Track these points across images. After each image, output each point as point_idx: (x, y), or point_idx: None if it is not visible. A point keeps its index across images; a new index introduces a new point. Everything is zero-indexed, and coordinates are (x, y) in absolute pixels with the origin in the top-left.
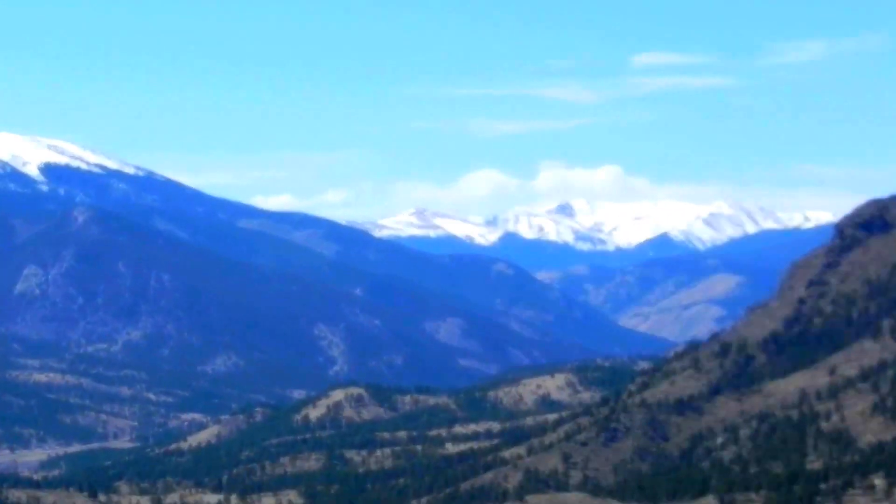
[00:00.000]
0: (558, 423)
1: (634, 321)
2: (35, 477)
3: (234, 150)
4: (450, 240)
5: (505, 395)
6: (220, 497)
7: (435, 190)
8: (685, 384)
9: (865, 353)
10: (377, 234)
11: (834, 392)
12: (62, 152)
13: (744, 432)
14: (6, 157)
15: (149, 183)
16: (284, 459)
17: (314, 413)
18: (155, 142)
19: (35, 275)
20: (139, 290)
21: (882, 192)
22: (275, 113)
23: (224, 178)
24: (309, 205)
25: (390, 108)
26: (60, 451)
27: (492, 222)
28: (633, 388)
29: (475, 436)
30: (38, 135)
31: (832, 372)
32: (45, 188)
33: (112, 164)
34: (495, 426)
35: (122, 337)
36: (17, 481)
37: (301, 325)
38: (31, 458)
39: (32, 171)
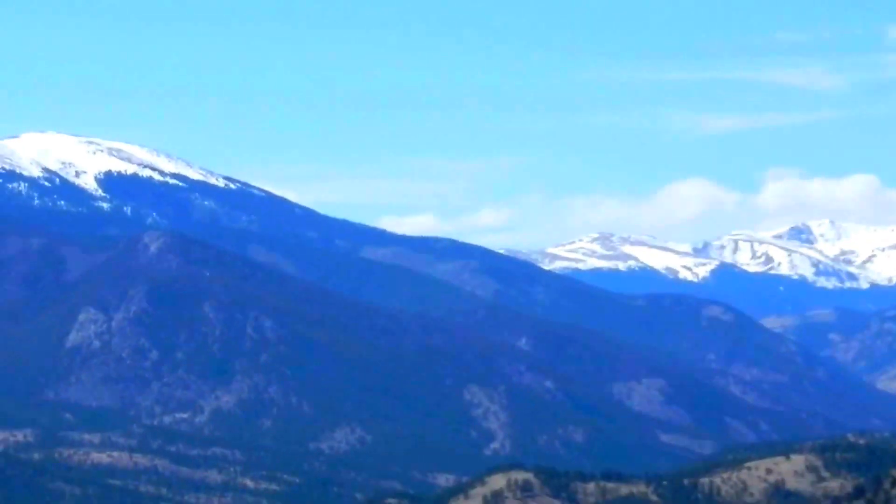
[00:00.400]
0: None
1: None
2: None
3: (356, 158)
4: (645, 274)
5: (724, 482)
6: None
7: (624, 208)
8: None
9: None
10: (548, 266)
11: None
12: (127, 158)
13: None
14: (54, 166)
15: (243, 199)
16: None
17: None
18: (250, 146)
19: (94, 321)
20: (231, 341)
21: None
22: (409, 109)
23: (343, 195)
24: (457, 228)
25: (562, 100)
26: None
27: (702, 251)
28: None
29: None
30: (95, 136)
31: None
32: (105, 206)
33: (194, 175)
34: None
35: (210, 403)
36: None
37: (448, 388)
38: None
39: (88, 183)
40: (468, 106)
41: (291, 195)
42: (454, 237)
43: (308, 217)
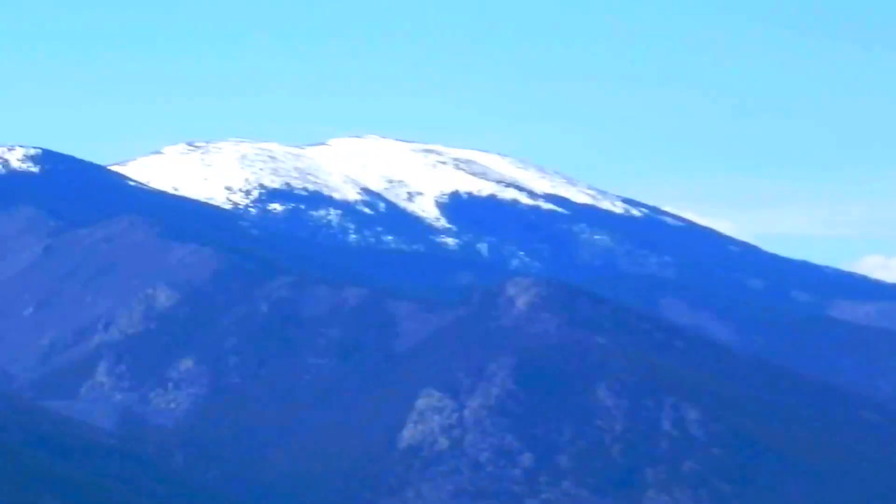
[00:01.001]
0: None
1: None
2: None
3: (815, 171)
4: None
5: None
6: None
7: None
8: None
9: None
10: None
11: None
12: (482, 174)
13: None
14: (378, 185)
15: (652, 232)
16: None
17: None
18: (660, 155)
19: (438, 409)
20: (639, 441)
21: None
22: None
23: (802, 224)
24: None
25: None
26: None
27: None
28: None
29: None
30: (436, 142)
31: None
32: (451, 242)
33: (579, 197)
34: None
35: None
36: None
37: None
38: None
39: (427, 209)
40: None
41: (724, 225)
42: None
43: (749, 257)
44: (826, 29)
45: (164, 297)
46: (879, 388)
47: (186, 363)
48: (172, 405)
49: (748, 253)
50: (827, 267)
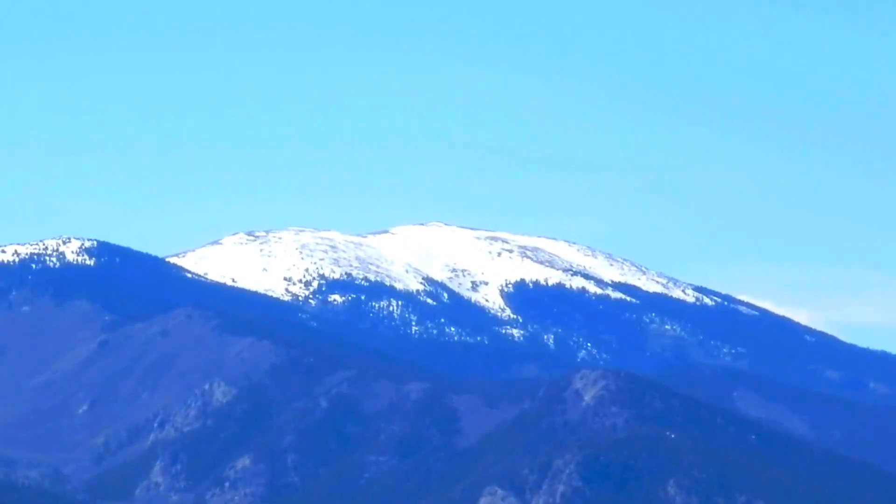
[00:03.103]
0: None
1: None
2: None
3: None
4: None
5: None
6: None
7: None
8: None
9: None
10: None
11: None
12: (549, 263)
13: None
14: (440, 275)
15: (726, 322)
16: None
17: None
18: (745, 242)
19: None
20: None
21: None
22: None
23: (879, 311)
24: None
25: None
26: None
27: None
28: None
29: None
30: (501, 230)
31: None
32: (516, 333)
33: (650, 286)
34: None
35: None
36: None
37: None
38: None
39: (492, 299)
40: None
41: (801, 315)
42: None
43: (826, 348)
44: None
45: (220, 393)
46: None
47: (244, 461)
48: None
49: (825, 343)
50: None
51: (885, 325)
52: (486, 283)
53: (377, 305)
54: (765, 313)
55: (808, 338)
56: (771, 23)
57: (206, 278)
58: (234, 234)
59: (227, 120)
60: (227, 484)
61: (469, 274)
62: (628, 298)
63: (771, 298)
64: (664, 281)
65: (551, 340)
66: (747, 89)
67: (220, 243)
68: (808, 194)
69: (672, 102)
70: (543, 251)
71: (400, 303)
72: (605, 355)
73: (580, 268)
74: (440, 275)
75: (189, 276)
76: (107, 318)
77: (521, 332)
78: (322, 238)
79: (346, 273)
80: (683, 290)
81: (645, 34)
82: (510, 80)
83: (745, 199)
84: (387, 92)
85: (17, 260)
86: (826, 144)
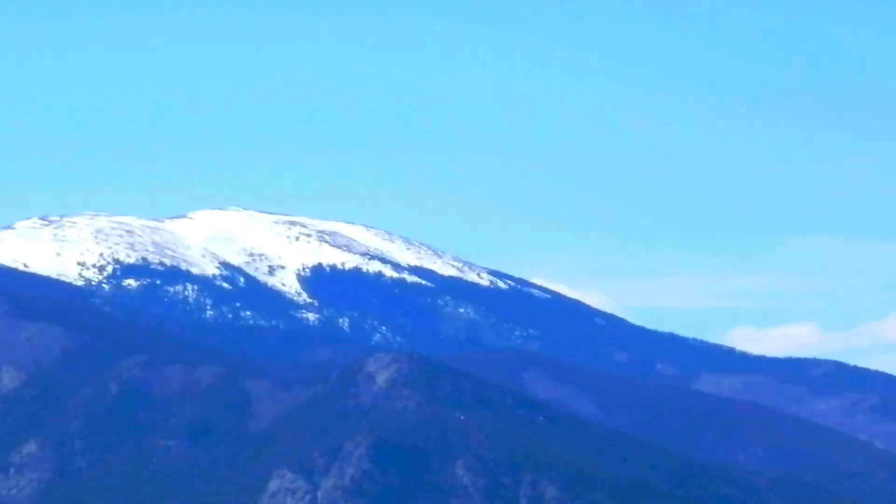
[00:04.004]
0: None
1: None
2: None
3: (691, 239)
4: None
5: None
6: None
7: None
8: None
9: None
10: None
11: None
12: (346, 247)
13: None
14: (237, 259)
15: (518, 304)
16: None
17: None
18: (526, 227)
19: (292, 490)
20: None
21: None
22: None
23: (668, 295)
24: (848, 344)
25: None
26: None
27: None
28: None
29: None
30: (300, 214)
31: None
32: (311, 318)
33: (445, 269)
34: None
35: None
36: None
37: None
38: None
39: (288, 283)
40: None
41: (592, 298)
42: (843, 358)
43: (616, 330)
44: (689, 101)
45: (8, 379)
46: (740, 462)
47: (30, 447)
48: (14, 491)
49: (614, 325)
50: (694, 339)
51: (672, 308)
52: (283, 268)
53: (172, 290)
54: (557, 296)
55: (598, 320)
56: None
57: None
58: (27, 219)
59: (23, 104)
60: (12, 470)
61: (266, 258)
62: (424, 282)
63: (564, 282)
64: (459, 265)
65: (346, 324)
66: (521, 91)
67: (13, 228)
68: (599, 181)
69: (471, 90)
70: (341, 235)
71: (196, 287)
72: (399, 339)
73: (377, 252)
74: (237, 259)
75: None
76: None
77: (317, 316)
78: (118, 223)
79: (141, 258)
80: (478, 274)
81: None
82: (303, 62)
83: (539, 184)
84: (178, 75)
85: None
86: (610, 129)
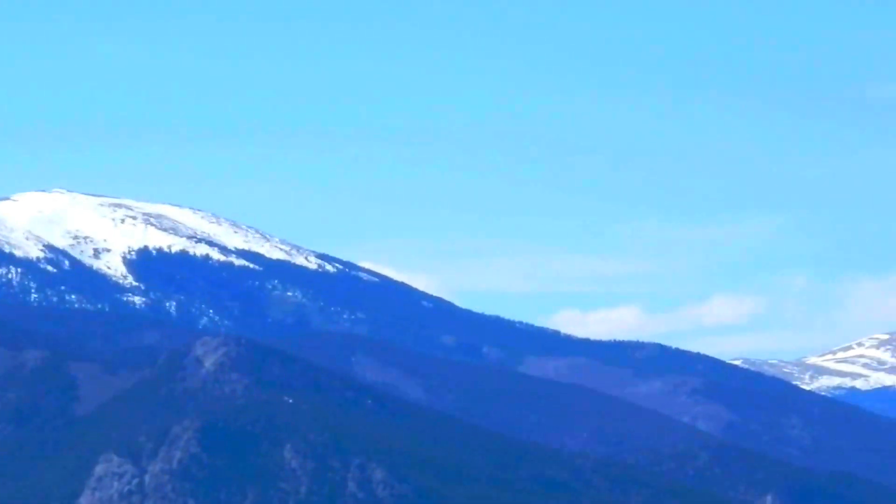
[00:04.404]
0: None
1: None
2: None
3: (516, 226)
4: None
5: None
6: None
7: None
8: None
9: None
10: (809, 385)
11: None
12: (173, 230)
13: None
14: (62, 242)
15: (346, 289)
16: None
17: None
18: (357, 212)
19: (118, 474)
20: (326, 502)
21: None
22: (595, 152)
23: (495, 279)
24: (670, 328)
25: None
26: None
27: None
28: None
29: None
30: (126, 197)
31: None
32: (137, 301)
33: (272, 253)
34: None
35: None
36: None
37: None
38: None
39: (114, 266)
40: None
41: (420, 281)
42: (666, 341)
43: (443, 313)
44: (510, 85)
45: None
46: (565, 443)
47: None
48: None
49: (442, 309)
50: (520, 323)
51: (499, 291)
52: (109, 251)
53: None
54: (385, 280)
55: (425, 303)
56: None
57: None
58: None
59: None
60: None
61: (91, 241)
62: (251, 265)
63: (392, 266)
64: (287, 248)
65: (173, 307)
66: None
67: None
68: (426, 166)
69: (295, 74)
70: (168, 218)
71: (19, 270)
72: (227, 322)
73: (204, 235)
74: (62, 242)
75: None
76: None
77: (143, 299)
78: None
79: None
80: (306, 258)
81: None
82: (126, 44)
83: (366, 169)
84: (15, 60)
85: None
86: (438, 117)
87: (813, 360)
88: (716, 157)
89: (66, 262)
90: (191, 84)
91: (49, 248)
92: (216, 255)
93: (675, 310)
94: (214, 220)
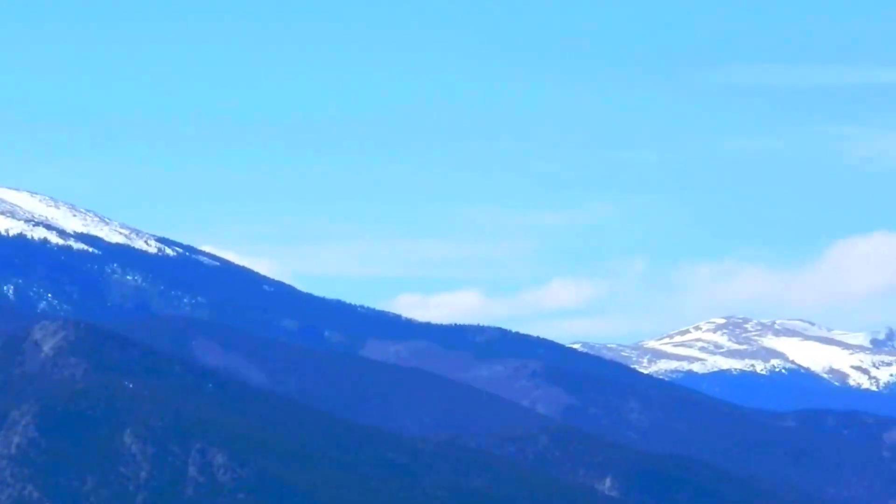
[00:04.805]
0: None
1: None
2: None
3: (359, 211)
4: (797, 379)
5: None
6: None
7: (766, 281)
8: None
9: None
10: (648, 368)
11: None
12: (10, 213)
13: None
14: None
15: (186, 273)
16: None
17: None
18: (199, 195)
19: None
20: (165, 487)
21: None
22: (440, 137)
23: (337, 263)
24: (511, 312)
25: (674, 125)
26: None
27: (884, 344)
28: None
29: None
30: None
31: None
32: None
33: (112, 236)
34: None
35: None
36: None
37: None
38: None
39: None
40: (534, 132)
41: (261, 266)
42: (506, 325)
43: (284, 297)
44: (349, 63)
45: None
46: (406, 427)
47: None
48: None
49: (283, 293)
50: (361, 306)
51: (340, 275)
52: None
53: None
54: (226, 264)
55: (266, 287)
56: None
57: None
58: None
59: None
60: None
61: None
62: (90, 249)
63: (233, 249)
64: (127, 232)
65: (11, 291)
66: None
67: None
68: (266, 149)
69: (127, 56)
70: (5, 201)
71: None
72: (66, 306)
73: (42, 218)
74: None
75: None
76: None
77: None
78: None
79: None
80: (146, 241)
81: None
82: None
83: (207, 152)
84: None
85: None
86: (277, 98)
87: (651, 343)
88: (555, 141)
89: None
90: (26, 64)
91: None
92: (54, 238)
93: (515, 294)
94: (52, 203)
